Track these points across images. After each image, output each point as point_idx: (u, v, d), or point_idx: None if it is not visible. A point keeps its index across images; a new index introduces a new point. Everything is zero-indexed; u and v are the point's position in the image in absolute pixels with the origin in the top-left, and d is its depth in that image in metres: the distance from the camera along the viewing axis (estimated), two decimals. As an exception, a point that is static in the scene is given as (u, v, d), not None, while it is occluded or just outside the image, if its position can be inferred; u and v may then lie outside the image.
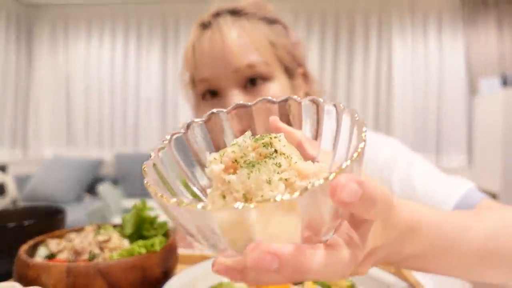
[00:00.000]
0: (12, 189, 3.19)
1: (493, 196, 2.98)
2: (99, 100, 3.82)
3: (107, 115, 3.81)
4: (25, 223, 0.51)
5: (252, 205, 0.18)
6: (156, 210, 0.48)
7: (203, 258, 0.54)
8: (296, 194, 0.18)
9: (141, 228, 0.49)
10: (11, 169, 3.30)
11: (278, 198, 0.18)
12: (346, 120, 0.24)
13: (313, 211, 0.19)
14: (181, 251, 0.54)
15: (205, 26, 0.60)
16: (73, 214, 2.89)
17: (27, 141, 3.92)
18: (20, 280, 0.39)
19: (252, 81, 0.56)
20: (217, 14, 0.59)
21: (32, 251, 0.44)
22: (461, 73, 3.36)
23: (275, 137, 0.23)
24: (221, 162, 0.23)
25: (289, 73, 0.60)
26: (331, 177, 0.18)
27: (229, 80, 0.56)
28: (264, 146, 0.23)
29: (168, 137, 0.26)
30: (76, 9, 3.85)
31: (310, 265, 0.20)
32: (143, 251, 0.42)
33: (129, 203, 2.58)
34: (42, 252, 0.45)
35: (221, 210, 0.18)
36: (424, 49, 3.44)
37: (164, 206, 0.20)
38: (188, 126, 0.28)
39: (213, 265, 0.22)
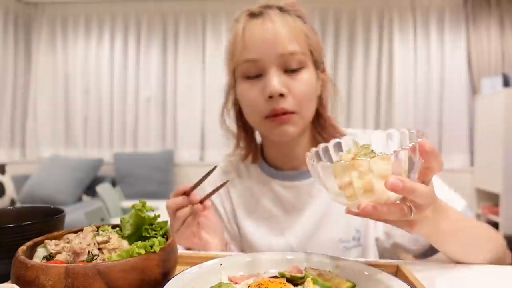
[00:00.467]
0: (10, 190, 3.18)
1: (495, 196, 2.98)
2: (98, 100, 3.81)
3: (106, 115, 3.80)
4: (23, 224, 0.50)
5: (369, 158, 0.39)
6: (155, 211, 0.48)
7: (203, 258, 0.53)
8: (388, 153, 0.39)
9: (140, 228, 0.49)
10: (9, 169, 3.29)
11: (378, 154, 0.42)
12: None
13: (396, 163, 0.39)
14: (180, 251, 0.54)
15: (255, 15, 0.68)
16: (72, 215, 2.88)
17: (26, 141, 3.92)
18: (18, 281, 0.38)
19: (290, 66, 0.66)
20: (266, 7, 0.68)
21: (30, 252, 0.44)
22: (463, 73, 3.37)
23: (366, 146, 0.44)
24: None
25: (316, 65, 0.71)
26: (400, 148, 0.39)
27: (273, 62, 0.65)
28: (365, 148, 0.44)
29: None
30: (75, 8, 3.84)
31: (416, 187, 0.39)
32: (143, 252, 0.42)
33: (128, 203, 2.58)
34: (40, 253, 0.45)
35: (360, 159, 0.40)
36: (425, 48, 3.44)
37: (313, 167, 0.43)
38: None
39: (348, 212, 0.45)
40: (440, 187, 0.70)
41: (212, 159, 3.68)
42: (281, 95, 0.64)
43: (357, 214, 0.41)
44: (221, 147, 3.66)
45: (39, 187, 3.32)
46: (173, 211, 0.63)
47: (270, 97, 0.65)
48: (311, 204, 0.74)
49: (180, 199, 0.62)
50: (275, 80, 0.64)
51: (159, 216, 0.50)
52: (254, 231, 0.76)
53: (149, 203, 0.51)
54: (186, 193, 0.63)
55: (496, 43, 3.29)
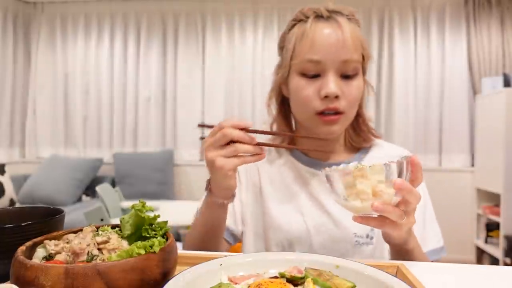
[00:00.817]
0: (9, 190, 3.18)
1: (496, 196, 2.98)
2: (97, 100, 3.81)
3: (105, 115, 3.80)
4: (22, 224, 0.50)
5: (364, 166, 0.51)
6: (155, 211, 0.48)
7: (203, 258, 0.53)
8: (380, 164, 0.49)
9: (140, 229, 0.49)
10: (9, 169, 3.29)
11: (371, 165, 0.50)
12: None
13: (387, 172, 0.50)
14: (180, 252, 0.54)
15: (322, 18, 0.71)
16: (71, 215, 2.88)
17: (25, 141, 3.91)
18: (17, 281, 0.38)
19: (346, 72, 0.71)
20: (333, 12, 0.72)
21: (29, 252, 0.44)
22: (463, 73, 3.37)
23: (363, 166, 0.52)
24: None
25: (363, 71, 0.76)
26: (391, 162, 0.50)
27: (334, 66, 0.70)
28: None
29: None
30: (75, 8, 3.85)
31: (413, 188, 0.51)
32: (142, 252, 0.42)
33: (128, 203, 2.58)
34: (40, 253, 0.44)
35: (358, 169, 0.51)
36: (426, 48, 3.44)
37: (327, 174, 0.53)
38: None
39: (355, 219, 0.54)
40: (428, 222, 0.78)
41: (212, 159, 3.68)
42: (336, 96, 0.70)
43: (362, 221, 0.54)
44: (221, 147, 3.66)
45: (38, 187, 3.32)
46: (228, 139, 0.61)
47: (326, 97, 0.70)
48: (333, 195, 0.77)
49: (242, 134, 0.61)
50: (333, 83, 0.69)
51: (159, 216, 0.50)
52: (277, 209, 0.79)
53: (149, 203, 0.51)
54: (246, 129, 0.62)
55: (497, 43, 3.29)
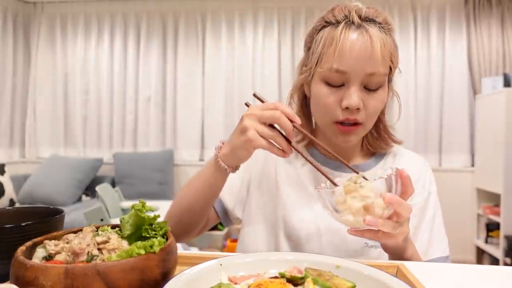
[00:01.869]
0: (9, 190, 3.18)
1: (496, 196, 2.98)
2: (97, 100, 3.81)
3: (105, 115, 3.80)
4: (22, 224, 0.50)
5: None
6: (155, 211, 0.48)
7: (203, 258, 0.53)
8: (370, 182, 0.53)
9: (140, 229, 0.49)
10: (9, 169, 3.29)
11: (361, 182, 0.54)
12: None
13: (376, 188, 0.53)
14: (180, 252, 0.54)
15: (353, 25, 0.69)
16: (71, 215, 2.88)
17: (25, 141, 3.91)
18: (17, 281, 0.38)
19: (370, 84, 0.69)
20: (366, 20, 0.69)
21: (29, 253, 0.44)
22: (464, 73, 3.37)
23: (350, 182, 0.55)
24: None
25: (389, 80, 0.76)
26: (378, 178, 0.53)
27: (359, 78, 0.68)
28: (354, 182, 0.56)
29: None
30: (74, 7, 3.85)
31: (402, 201, 0.53)
32: (142, 252, 0.42)
33: (128, 203, 2.58)
34: (40, 253, 0.44)
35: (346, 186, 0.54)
36: (426, 48, 3.44)
37: (319, 191, 0.56)
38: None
39: (350, 232, 0.56)
40: (435, 231, 0.78)
41: (212, 159, 3.68)
42: (357, 109, 0.69)
43: (357, 233, 0.56)
44: (221, 147, 3.66)
45: (38, 187, 3.32)
46: (274, 122, 0.62)
47: (347, 108, 0.69)
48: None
49: (290, 128, 0.62)
50: (356, 96, 0.68)
51: (159, 216, 0.50)
52: (291, 206, 0.79)
53: (149, 203, 0.51)
54: (293, 125, 0.63)
55: (497, 42, 3.29)
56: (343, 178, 0.61)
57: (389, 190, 0.53)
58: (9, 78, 3.73)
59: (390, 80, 0.76)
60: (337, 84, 0.70)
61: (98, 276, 0.37)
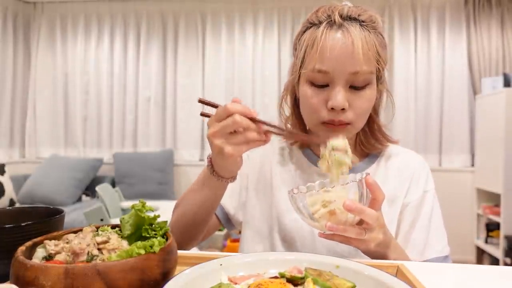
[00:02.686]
0: (9, 190, 3.18)
1: (496, 196, 2.98)
2: (97, 100, 3.81)
3: (105, 115, 3.80)
4: (22, 224, 0.50)
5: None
6: (155, 211, 0.48)
7: (203, 258, 0.53)
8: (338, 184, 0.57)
9: (140, 229, 0.49)
10: (9, 169, 3.29)
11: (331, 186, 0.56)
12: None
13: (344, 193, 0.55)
14: (180, 252, 0.54)
15: (334, 25, 0.68)
16: (71, 215, 2.89)
17: (25, 141, 3.91)
18: (17, 281, 0.38)
19: (357, 83, 0.68)
20: (348, 18, 0.69)
21: (29, 253, 0.44)
22: (464, 73, 3.37)
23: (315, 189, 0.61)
24: None
25: (378, 79, 0.73)
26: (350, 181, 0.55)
27: (343, 78, 0.67)
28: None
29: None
30: (75, 8, 3.85)
31: (364, 208, 0.54)
32: (142, 252, 0.42)
33: (128, 203, 2.58)
34: (40, 253, 0.44)
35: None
36: (426, 48, 3.44)
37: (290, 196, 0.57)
38: None
39: (320, 235, 0.58)
40: (433, 231, 0.77)
41: (212, 159, 3.68)
42: (342, 109, 0.68)
43: (326, 237, 0.57)
44: (221, 147, 3.66)
45: (38, 187, 3.32)
46: (237, 127, 0.61)
47: (332, 108, 0.68)
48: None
49: (251, 123, 0.61)
50: (340, 96, 0.67)
51: (159, 216, 0.50)
52: (286, 208, 0.79)
53: (149, 203, 0.51)
54: (252, 119, 0.61)
55: (497, 43, 3.29)
56: (325, 180, 0.62)
57: (361, 196, 0.55)
58: (9, 78, 3.73)
59: (380, 79, 0.74)
60: (322, 84, 0.69)
61: (98, 276, 0.37)
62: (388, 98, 0.80)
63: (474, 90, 3.35)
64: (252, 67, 3.63)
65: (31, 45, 3.91)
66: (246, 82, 3.62)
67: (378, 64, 0.69)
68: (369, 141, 0.79)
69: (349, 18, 0.69)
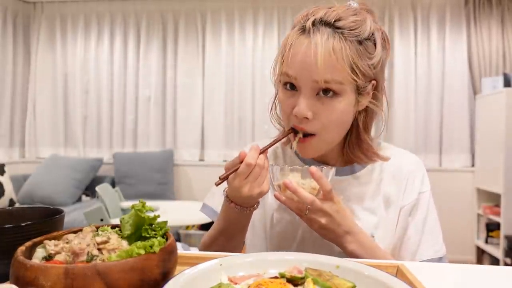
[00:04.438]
0: (9, 190, 3.18)
1: (496, 196, 2.98)
2: (97, 100, 3.81)
3: (105, 115, 3.80)
4: (22, 224, 0.50)
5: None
6: (155, 211, 0.48)
7: (203, 258, 0.53)
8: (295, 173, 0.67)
9: (140, 229, 0.49)
10: (9, 169, 3.29)
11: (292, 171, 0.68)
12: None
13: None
14: (180, 252, 0.54)
15: (304, 31, 0.67)
16: (71, 215, 2.89)
17: (25, 141, 3.91)
18: (17, 282, 0.38)
19: (324, 91, 0.67)
20: (319, 23, 0.66)
21: (29, 253, 0.44)
22: (464, 72, 3.37)
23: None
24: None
25: (359, 91, 0.69)
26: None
27: (307, 85, 0.67)
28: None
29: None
30: (74, 7, 3.85)
31: (299, 190, 0.63)
32: (142, 252, 0.42)
33: (128, 203, 2.58)
34: (39, 253, 0.44)
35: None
36: (426, 48, 3.44)
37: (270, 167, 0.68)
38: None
39: (276, 197, 0.66)
40: (427, 234, 0.76)
41: (212, 159, 3.68)
42: (306, 118, 0.67)
43: (279, 200, 0.66)
44: (221, 147, 3.66)
45: (38, 187, 3.32)
46: (262, 167, 0.65)
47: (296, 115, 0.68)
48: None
49: (263, 156, 0.66)
50: (303, 105, 0.66)
51: (158, 216, 0.50)
52: (280, 209, 0.80)
53: (149, 203, 0.51)
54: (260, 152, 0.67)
55: (497, 42, 3.29)
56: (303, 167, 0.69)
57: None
58: (9, 78, 3.73)
59: (362, 91, 0.69)
60: (293, 88, 0.69)
61: (98, 276, 0.37)
62: (382, 111, 0.75)
63: (474, 90, 3.35)
64: (252, 67, 3.63)
65: (31, 45, 3.91)
66: (246, 82, 3.62)
67: (353, 72, 0.65)
68: (357, 155, 0.75)
69: (324, 24, 0.65)
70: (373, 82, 0.70)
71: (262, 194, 0.66)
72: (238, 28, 3.66)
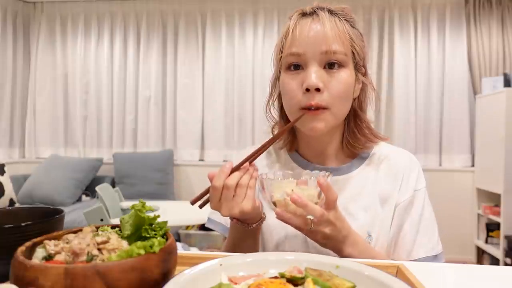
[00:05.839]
0: (9, 190, 3.17)
1: (496, 196, 2.98)
2: (97, 100, 3.81)
3: (105, 115, 3.80)
4: (22, 224, 0.50)
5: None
6: (155, 211, 0.48)
7: (203, 258, 0.53)
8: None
9: (140, 229, 0.49)
10: (9, 169, 3.29)
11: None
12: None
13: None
14: (180, 252, 0.54)
15: (306, 14, 0.73)
16: (71, 215, 2.89)
17: (25, 141, 3.91)
18: (17, 282, 0.38)
19: (330, 64, 0.70)
20: (318, 8, 0.73)
21: (29, 253, 0.44)
22: (464, 72, 3.37)
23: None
24: None
25: (356, 68, 0.74)
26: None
27: (315, 58, 0.70)
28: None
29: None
30: (74, 7, 3.85)
31: (308, 204, 0.59)
32: (142, 252, 0.42)
33: (128, 203, 2.58)
34: (39, 253, 0.44)
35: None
36: (426, 48, 3.44)
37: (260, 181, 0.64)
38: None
39: (279, 216, 0.62)
40: (423, 232, 0.76)
41: (212, 159, 3.68)
42: (318, 89, 0.68)
43: (282, 220, 0.62)
44: (221, 147, 3.66)
45: (38, 187, 3.32)
46: (235, 186, 0.63)
47: (307, 90, 0.69)
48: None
49: (237, 174, 0.64)
50: (314, 75, 0.69)
51: (159, 216, 0.50)
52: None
53: (149, 203, 0.51)
54: (233, 170, 0.64)
55: (497, 42, 3.29)
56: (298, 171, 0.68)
57: (320, 193, 0.61)
58: (9, 78, 3.73)
59: (359, 68, 0.75)
60: (297, 66, 0.72)
61: (97, 276, 0.37)
62: (374, 93, 0.80)
63: (474, 90, 3.35)
64: (252, 68, 3.63)
65: (31, 45, 3.91)
66: (246, 82, 3.62)
67: (352, 48, 0.71)
68: (357, 139, 0.78)
69: (320, 8, 0.73)
70: (363, 68, 0.76)
71: (244, 213, 0.64)
72: (238, 29, 3.65)
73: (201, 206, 0.67)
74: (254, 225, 0.69)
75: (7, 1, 3.71)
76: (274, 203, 0.63)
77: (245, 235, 0.71)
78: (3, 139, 3.73)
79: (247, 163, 0.65)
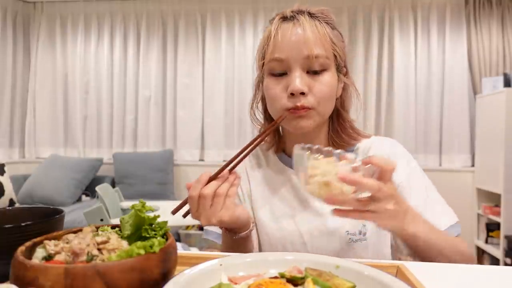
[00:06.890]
0: (9, 190, 3.17)
1: (496, 196, 2.98)
2: (97, 100, 3.81)
3: (105, 115, 3.80)
4: (22, 224, 0.50)
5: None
6: (155, 211, 0.48)
7: (203, 258, 0.53)
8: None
9: (140, 229, 0.49)
10: (9, 169, 3.29)
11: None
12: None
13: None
14: (180, 252, 0.54)
15: (287, 19, 0.74)
16: (71, 215, 2.88)
17: (25, 141, 3.91)
18: (17, 281, 0.38)
19: (313, 69, 0.71)
20: (298, 12, 0.74)
21: (29, 253, 0.44)
22: (464, 72, 3.36)
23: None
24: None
25: (338, 69, 0.76)
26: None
27: (298, 63, 0.71)
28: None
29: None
30: (74, 7, 3.85)
31: (360, 179, 0.50)
32: (142, 252, 0.42)
33: (128, 204, 2.58)
34: (39, 253, 0.44)
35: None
36: (426, 48, 3.44)
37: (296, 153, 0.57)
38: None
39: (334, 213, 0.56)
40: (434, 202, 0.78)
41: (212, 159, 3.68)
42: (302, 93, 0.70)
43: (339, 214, 0.55)
44: (221, 147, 3.66)
45: (38, 187, 3.32)
46: (212, 195, 0.63)
47: (292, 94, 0.70)
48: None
49: (214, 183, 0.63)
50: (298, 80, 0.70)
51: (158, 216, 0.50)
52: (268, 214, 0.81)
53: (149, 203, 0.51)
54: (211, 179, 0.64)
55: (497, 42, 3.28)
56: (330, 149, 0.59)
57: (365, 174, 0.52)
58: (9, 78, 3.73)
59: (340, 70, 0.76)
60: (281, 72, 0.73)
61: (97, 276, 0.37)
62: (356, 94, 0.81)
63: (474, 90, 3.34)
64: (252, 68, 3.61)
65: (31, 45, 3.91)
66: (246, 82, 3.62)
67: (334, 50, 0.72)
68: (342, 138, 0.80)
69: (301, 13, 0.73)
70: (344, 68, 0.78)
71: (223, 222, 0.63)
72: (238, 29, 3.65)
73: (184, 216, 0.67)
74: (241, 234, 0.69)
75: (7, 1, 3.71)
76: (305, 181, 0.53)
77: (235, 243, 0.71)
78: (3, 139, 3.72)
79: (227, 171, 0.65)
